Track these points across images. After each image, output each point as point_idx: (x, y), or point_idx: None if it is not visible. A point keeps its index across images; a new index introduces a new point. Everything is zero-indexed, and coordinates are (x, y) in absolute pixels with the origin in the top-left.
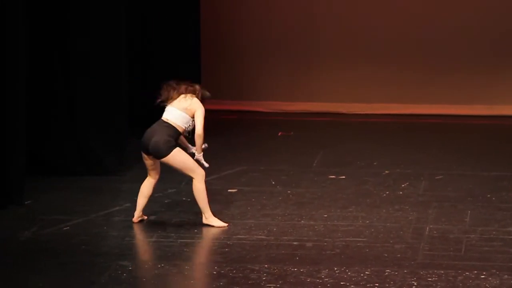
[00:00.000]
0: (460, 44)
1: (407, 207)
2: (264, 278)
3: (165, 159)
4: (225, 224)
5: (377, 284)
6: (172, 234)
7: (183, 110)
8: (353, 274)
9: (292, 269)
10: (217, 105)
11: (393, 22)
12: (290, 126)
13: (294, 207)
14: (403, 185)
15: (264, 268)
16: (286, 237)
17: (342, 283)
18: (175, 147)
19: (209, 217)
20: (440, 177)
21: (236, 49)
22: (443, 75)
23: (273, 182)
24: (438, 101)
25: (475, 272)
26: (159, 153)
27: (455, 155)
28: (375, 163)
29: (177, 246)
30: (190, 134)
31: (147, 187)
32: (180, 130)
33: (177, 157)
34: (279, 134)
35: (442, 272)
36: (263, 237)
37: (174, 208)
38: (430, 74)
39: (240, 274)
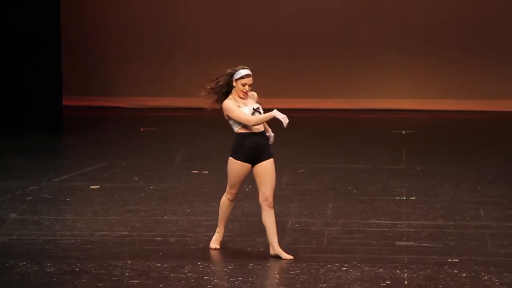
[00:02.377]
0: (320, 39)
1: None
2: (127, 274)
3: None
4: (217, 247)
5: (240, 278)
6: (34, 232)
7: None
8: (216, 269)
9: (156, 265)
10: (80, 101)
11: (245, 13)
12: (153, 121)
13: (157, 202)
14: None
15: (128, 264)
16: (149, 233)
17: (205, 277)
18: (236, 157)
19: (218, 232)
20: (302, 170)
21: (99, 45)
22: (309, 68)
23: (136, 178)
24: (300, 95)
25: (337, 264)
26: None
27: (317, 148)
28: None
29: (39, 243)
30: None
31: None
32: (241, 131)
33: (228, 165)
34: (142, 130)
35: (305, 265)
36: (126, 233)
37: (36, 205)
38: (295, 68)
39: (103, 271)
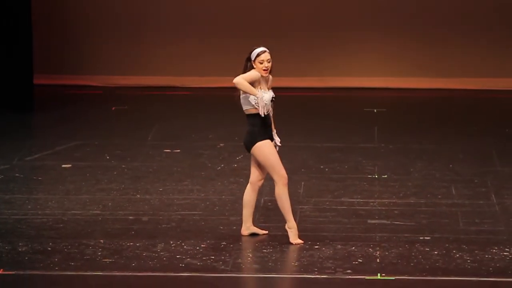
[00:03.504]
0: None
1: (242, 179)
2: (99, 253)
3: (251, 152)
4: (301, 242)
5: (212, 257)
6: (5, 211)
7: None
8: (189, 248)
9: (128, 244)
10: (51, 79)
11: None
12: (124, 100)
13: (130, 181)
14: (237, 158)
15: (100, 243)
16: (121, 212)
17: (178, 256)
18: (262, 139)
19: (291, 227)
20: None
21: (71, 23)
22: (279, 47)
23: (108, 157)
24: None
25: (309, 242)
26: (245, 145)
27: (289, 127)
28: (210, 136)
29: (11, 222)
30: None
31: (248, 194)
32: (254, 111)
33: (260, 151)
34: (113, 108)
35: (277, 243)
36: (98, 212)
37: (8, 184)
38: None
39: (76, 250)
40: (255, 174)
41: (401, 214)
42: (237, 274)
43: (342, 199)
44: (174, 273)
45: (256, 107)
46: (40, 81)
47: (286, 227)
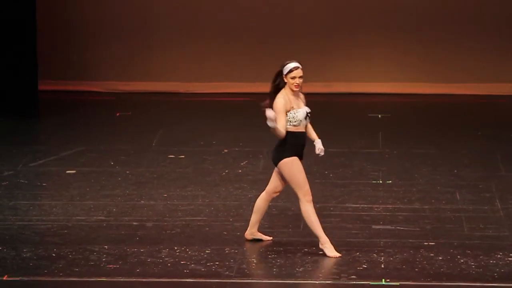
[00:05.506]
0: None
1: (246, 185)
2: (104, 259)
3: (278, 167)
4: (339, 255)
5: (217, 263)
6: (10, 217)
7: None
8: (193, 253)
9: (132, 250)
10: (56, 85)
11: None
12: (128, 106)
13: (134, 187)
14: (242, 163)
15: (104, 249)
16: (126, 218)
17: (182, 262)
18: (290, 155)
19: (324, 243)
20: None
21: (75, 30)
22: (283, 52)
23: (112, 163)
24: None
25: (314, 248)
26: (272, 160)
27: None
28: (214, 142)
29: (15, 228)
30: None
31: (261, 201)
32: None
33: (286, 167)
34: (118, 114)
35: (282, 249)
36: (102, 218)
37: (12, 190)
38: (268, 51)
39: (80, 256)
40: (273, 185)
41: (405, 219)
42: (242, 280)
43: (347, 204)
44: (179, 279)
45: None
46: (44, 87)
47: (320, 244)
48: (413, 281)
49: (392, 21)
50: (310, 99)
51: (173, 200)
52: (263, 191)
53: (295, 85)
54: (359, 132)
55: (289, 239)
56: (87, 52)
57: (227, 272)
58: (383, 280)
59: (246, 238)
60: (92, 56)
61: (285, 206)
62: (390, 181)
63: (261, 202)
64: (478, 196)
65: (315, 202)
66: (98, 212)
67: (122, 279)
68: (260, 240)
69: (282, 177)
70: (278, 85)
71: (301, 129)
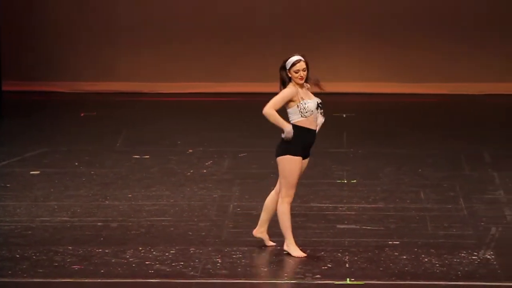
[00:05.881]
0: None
1: (211, 185)
2: (68, 260)
3: (277, 159)
4: (304, 255)
5: (182, 263)
6: None
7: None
8: (158, 254)
9: (97, 250)
10: (19, 86)
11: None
12: (93, 106)
13: (98, 187)
14: (207, 163)
15: (69, 250)
16: (90, 218)
17: (147, 262)
18: (295, 154)
19: (289, 245)
20: (244, 154)
21: (38, 30)
22: (244, 52)
23: (76, 163)
24: (238, 79)
25: (279, 248)
26: (276, 150)
27: (258, 132)
28: (178, 142)
29: None
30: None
31: (271, 200)
32: (299, 123)
33: (285, 163)
34: (82, 114)
35: (246, 248)
36: (66, 218)
37: None
38: (230, 51)
39: (44, 257)
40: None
41: (370, 219)
42: (207, 280)
43: (312, 204)
44: (144, 279)
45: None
46: (8, 87)
47: (285, 245)
48: (377, 280)
49: (356, 20)
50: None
51: (137, 201)
52: (226, 190)
53: (300, 78)
54: (323, 131)
55: (253, 239)
56: (52, 53)
57: (192, 272)
58: (348, 279)
59: (254, 234)
60: (56, 56)
61: (250, 205)
62: (355, 181)
63: (270, 200)
64: (442, 195)
65: None
66: (62, 213)
67: (86, 280)
68: (221, 240)
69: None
70: (284, 82)
71: (313, 125)
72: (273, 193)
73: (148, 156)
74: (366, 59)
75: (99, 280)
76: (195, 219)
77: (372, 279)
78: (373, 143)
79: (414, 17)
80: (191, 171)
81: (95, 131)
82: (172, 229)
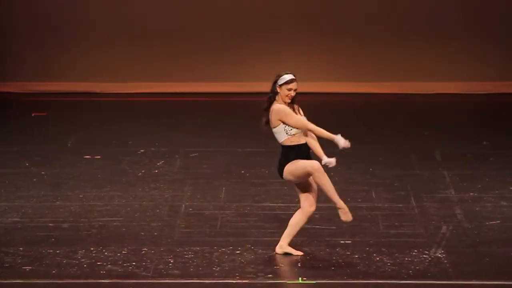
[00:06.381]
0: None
1: (163, 185)
2: (19, 261)
3: (284, 177)
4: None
5: (134, 263)
6: None
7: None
8: (110, 254)
9: (48, 251)
10: None
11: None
12: (43, 106)
13: (49, 188)
14: (158, 164)
15: (19, 251)
16: (41, 219)
17: (99, 263)
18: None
19: (341, 207)
20: (195, 154)
21: None
22: (211, 50)
23: (27, 164)
24: (197, 79)
25: (231, 248)
26: (278, 172)
27: (210, 132)
28: (130, 142)
29: None
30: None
31: (298, 216)
32: (288, 143)
33: (289, 172)
34: (33, 114)
35: (199, 248)
36: (17, 219)
37: None
38: (193, 49)
39: None
40: (305, 202)
41: (321, 218)
42: (159, 280)
43: (264, 203)
44: (95, 279)
45: (328, 165)
46: None
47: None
48: (329, 279)
49: (315, 19)
50: (226, 99)
51: (89, 201)
52: (178, 190)
53: (288, 97)
54: None
55: (205, 238)
56: (1, 52)
57: (144, 273)
58: (300, 278)
59: (276, 252)
60: (5, 55)
61: (202, 205)
62: None
63: (297, 217)
64: (393, 194)
65: (231, 201)
66: (13, 214)
67: (38, 281)
68: (173, 240)
69: (305, 185)
70: (270, 98)
71: (301, 140)
72: (299, 211)
73: (99, 157)
74: (319, 58)
75: (50, 281)
76: (147, 219)
77: (324, 278)
78: (324, 142)
79: (373, 17)
80: (143, 171)
81: (46, 131)
82: (124, 229)
